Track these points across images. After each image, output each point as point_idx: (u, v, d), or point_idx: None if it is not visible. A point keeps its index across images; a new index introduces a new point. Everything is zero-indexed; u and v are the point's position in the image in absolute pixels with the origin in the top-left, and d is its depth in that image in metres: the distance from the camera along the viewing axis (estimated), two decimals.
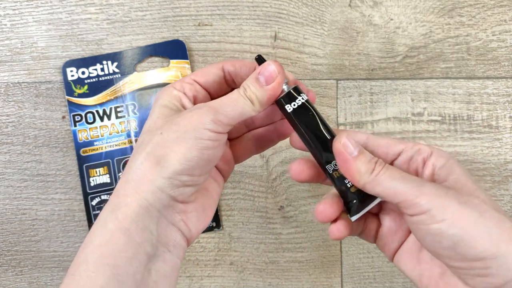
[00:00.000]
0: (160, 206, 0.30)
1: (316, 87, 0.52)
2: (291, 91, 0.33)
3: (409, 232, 0.34)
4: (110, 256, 0.28)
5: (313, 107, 0.33)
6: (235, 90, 0.32)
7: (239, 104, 0.31)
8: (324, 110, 0.52)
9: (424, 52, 0.52)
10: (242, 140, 0.37)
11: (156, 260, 0.30)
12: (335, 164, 0.32)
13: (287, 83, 0.33)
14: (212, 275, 0.52)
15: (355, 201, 0.32)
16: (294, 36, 0.52)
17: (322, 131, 0.32)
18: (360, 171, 0.30)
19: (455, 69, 0.52)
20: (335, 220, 0.33)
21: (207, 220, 0.34)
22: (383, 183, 0.29)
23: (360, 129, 0.51)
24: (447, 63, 0.52)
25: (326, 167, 0.33)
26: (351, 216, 0.33)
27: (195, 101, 0.33)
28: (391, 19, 0.52)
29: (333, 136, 0.32)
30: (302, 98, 0.33)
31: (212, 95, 0.35)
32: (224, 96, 0.32)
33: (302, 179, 0.34)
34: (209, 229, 0.51)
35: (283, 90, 0.33)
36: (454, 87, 0.51)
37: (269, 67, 0.32)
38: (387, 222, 0.35)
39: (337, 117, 0.52)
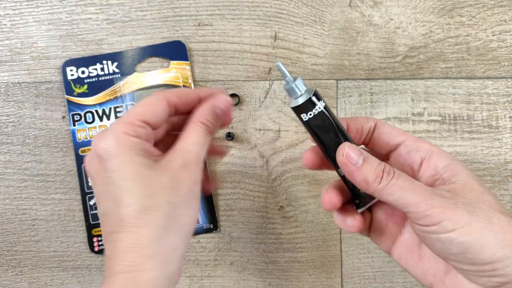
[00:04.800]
0: None
1: (316, 87, 0.52)
2: (311, 98, 0.31)
3: (402, 226, 0.34)
4: None
5: (330, 114, 0.32)
6: (199, 129, 0.32)
7: (207, 144, 0.33)
8: None
9: (424, 52, 0.52)
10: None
11: None
12: None
13: (306, 88, 0.32)
14: (212, 275, 0.52)
15: (362, 198, 0.34)
16: (294, 36, 0.52)
17: (337, 137, 0.32)
18: (367, 180, 0.30)
19: (455, 69, 0.52)
20: (341, 209, 0.34)
21: None
22: (393, 194, 0.30)
23: None
24: (447, 63, 0.52)
25: (338, 170, 0.33)
26: (357, 208, 0.34)
27: None
28: (391, 19, 0.52)
29: (348, 140, 0.32)
30: (319, 107, 0.31)
31: (155, 136, 0.34)
32: (192, 141, 0.32)
33: (313, 167, 0.35)
34: (207, 231, 0.51)
35: (297, 98, 0.32)
36: (454, 87, 0.51)
37: (225, 100, 0.34)
38: (379, 215, 0.35)
39: (337, 117, 0.52)
